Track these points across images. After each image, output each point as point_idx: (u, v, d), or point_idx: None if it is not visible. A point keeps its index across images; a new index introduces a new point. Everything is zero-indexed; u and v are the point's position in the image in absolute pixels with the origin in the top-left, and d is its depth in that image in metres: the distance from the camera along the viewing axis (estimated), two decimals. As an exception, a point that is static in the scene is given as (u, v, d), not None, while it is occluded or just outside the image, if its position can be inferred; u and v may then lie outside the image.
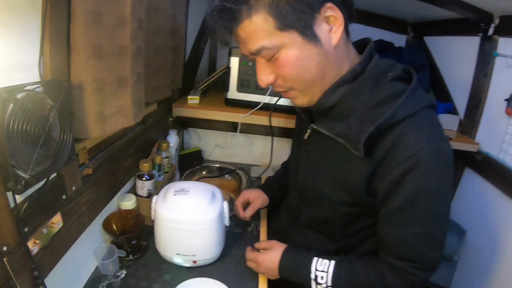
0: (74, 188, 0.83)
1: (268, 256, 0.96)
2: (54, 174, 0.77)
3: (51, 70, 0.68)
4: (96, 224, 1.03)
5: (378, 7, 1.82)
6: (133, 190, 1.23)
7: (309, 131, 0.93)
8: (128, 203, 1.13)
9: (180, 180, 1.52)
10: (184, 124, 1.70)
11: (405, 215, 0.75)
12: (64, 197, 0.81)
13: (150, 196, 1.21)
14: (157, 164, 1.28)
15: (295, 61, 0.72)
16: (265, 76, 0.77)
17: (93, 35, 0.72)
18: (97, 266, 1.03)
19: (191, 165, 1.65)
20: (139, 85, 0.91)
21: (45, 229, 0.75)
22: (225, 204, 1.03)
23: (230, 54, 1.47)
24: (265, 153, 1.74)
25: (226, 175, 1.66)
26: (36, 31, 0.65)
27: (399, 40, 1.99)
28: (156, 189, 1.24)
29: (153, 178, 1.21)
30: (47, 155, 0.66)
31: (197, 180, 1.58)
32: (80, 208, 0.87)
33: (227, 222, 1.04)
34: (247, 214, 1.16)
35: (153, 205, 1.01)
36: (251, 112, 1.51)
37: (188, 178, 1.56)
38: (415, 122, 0.73)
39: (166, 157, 1.37)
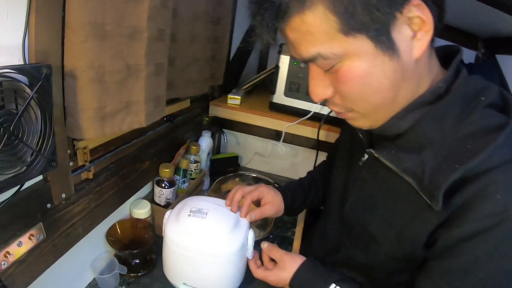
0: (64, 195, 0.69)
1: (278, 277, 0.80)
2: (37, 179, 0.63)
3: (37, 53, 0.54)
4: (99, 231, 0.89)
5: (448, 15, 1.52)
6: (151, 196, 1.07)
7: (366, 156, 0.73)
8: (141, 211, 0.98)
9: (209, 188, 1.35)
10: (221, 125, 1.53)
11: (457, 280, 0.58)
12: (49, 206, 0.67)
13: (168, 206, 1.06)
14: (182, 169, 1.12)
15: (362, 77, 0.53)
16: (320, 90, 0.59)
17: (94, 10, 0.56)
18: (95, 277, 0.90)
19: (224, 172, 1.48)
20: (159, 78, 0.75)
21: (19, 242, 0.62)
22: (251, 234, 0.84)
23: (280, 51, 1.27)
24: (308, 168, 1.53)
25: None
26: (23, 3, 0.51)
27: (467, 56, 1.69)
28: (177, 198, 1.08)
29: (174, 185, 1.05)
30: (16, 159, 0.51)
31: (228, 190, 1.40)
32: (71, 218, 0.73)
33: (250, 255, 0.85)
34: (248, 217, 0.87)
35: (164, 221, 0.85)
36: (298, 121, 1.31)
37: (219, 185, 1.39)
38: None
39: (195, 162, 1.21)
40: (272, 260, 0.84)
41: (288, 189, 1.01)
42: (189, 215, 0.80)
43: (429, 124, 0.59)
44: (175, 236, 0.78)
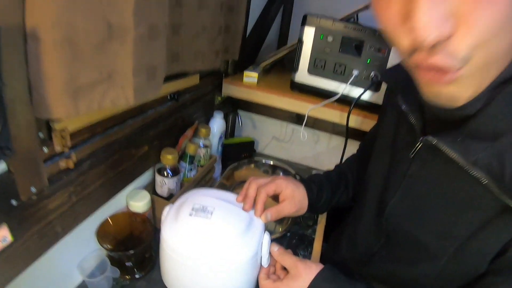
0: (33, 189, 0.55)
1: (292, 286, 0.65)
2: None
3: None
4: (88, 228, 0.77)
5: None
6: (152, 186, 0.94)
7: (419, 145, 0.57)
8: (139, 204, 0.85)
9: (220, 176, 1.21)
10: (235, 106, 1.38)
11: None
12: (14, 202, 0.53)
13: (171, 197, 0.92)
14: (189, 156, 0.97)
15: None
16: (435, 20, 0.35)
17: None
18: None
19: (238, 158, 1.33)
20: (153, 43, 0.59)
21: (-25, 247, 0.49)
22: (266, 238, 0.69)
23: (304, 23, 1.10)
24: (332, 156, 1.36)
25: (281, 173, 1.31)
26: None
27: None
28: (183, 188, 0.95)
29: (178, 174, 0.91)
30: None
31: (242, 178, 1.26)
32: (46, 216, 0.60)
33: (265, 262, 0.70)
34: (264, 217, 0.71)
35: (162, 218, 0.71)
36: (323, 103, 1.14)
37: (231, 172, 1.24)
38: None
39: (205, 147, 1.06)
40: (284, 269, 0.70)
41: (313, 181, 0.84)
42: (190, 215, 0.65)
43: (509, 105, 0.44)
44: (173, 241, 0.64)
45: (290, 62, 1.20)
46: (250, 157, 1.38)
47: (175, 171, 0.90)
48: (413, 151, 0.58)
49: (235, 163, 1.27)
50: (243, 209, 0.71)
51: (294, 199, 0.77)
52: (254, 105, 1.28)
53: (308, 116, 1.16)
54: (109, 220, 0.80)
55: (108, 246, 0.77)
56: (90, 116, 0.65)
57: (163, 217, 0.70)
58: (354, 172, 0.91)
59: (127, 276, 0.79)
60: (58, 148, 0.60)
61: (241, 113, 1.42)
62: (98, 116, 0.67)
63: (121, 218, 0.82)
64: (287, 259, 0.68)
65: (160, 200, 0.90)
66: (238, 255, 0.64)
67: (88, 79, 0.50)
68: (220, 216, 0.66)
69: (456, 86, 0.43)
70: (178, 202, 0.72)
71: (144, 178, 0.92)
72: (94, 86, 0.51)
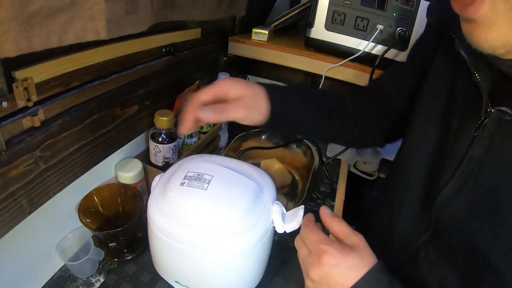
0: (-19, 152, 0.43)
1: (347, 260, 0.42)
2: None
3: None
4: (69, 202, 0.66)
5: None
6: (146, 155, 0.82)
7: (486, 118, 0.43)
8: (129, 174, 0.74)
9: (228, 146, 1.08)
10: (243, 68, 1.23)
11: None
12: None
13: (167, 167, 0.80)
14: (189, 121, 0.85)
15: None
16: None
17: None
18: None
19: (247, 126, 1.20)
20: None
21: None
22: (276, 209, 0.55)
23: (322, -30, 0.95)
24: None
25: (294, 146, 1.18)
26: None
27: None
28: (181, 158, 0.83)
29: (175, 140, 0.78)
30: None
31: (251, 148, 1.13)
32: (6, 187, 0.48)
33: (290, 227, 0.54)
34: (203, 114, 0.52)
35: (151, 190, 0.59)
36: (342, 62, 0.99)
37: (239, 143, 1.11)
38: None
39: (207, 112, 0.93)
40: None
41: (279, 87, 0.65)
42: (182, 184, 0.53)
43: None
44: (159, 219, 0.52)
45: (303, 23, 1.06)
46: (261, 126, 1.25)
47: (171, 137, 0.77)
48: (478, 126, 0.44)
49: (243, 133, 1.14)
50: (178, 132, 0.56)
51: (244, 100, 0.56)
52: (263, 68, 1.14)
53: (325, 77, 1.02)
54: (94, 194, 0.68)
55: (93, 224, 0.66)
56: (61, 64, 0.53)
57: (152, 189, 0.58)
58: (354, 102, 0.74)
59: (115, 259, 0.68)
60: (20, 102, 0.48)
61: (250, 78, 1.28)
62: (72, 65, 0.54)
63: (108, 192, 0.70)
64: (343, 227, 0.47)
65: (154, 171, 0.78)
66: (243, 239, 0.51)
67: (43, 5, 0.37)
68: (220, 186, 0.53)
69: (486, 24, 0.35)
70: (169, 171, 0.59)
71: (136, 146, 0.80)
72: (53, 15, 0.38)
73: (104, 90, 0.62)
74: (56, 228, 0.65)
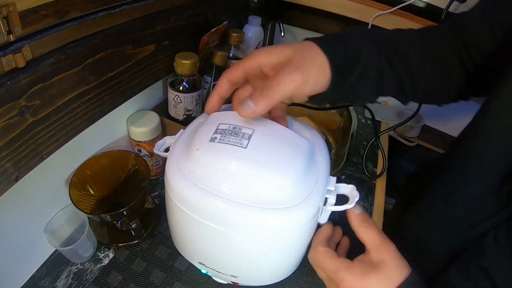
0: None
1: (370, 284, 0.39)
2: None
3: None
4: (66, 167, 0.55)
5: None
6: (164, 106, 0.69)
7: None
8: (141, 130, 0.61)
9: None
10: (276, 15, 1.08)
11: None
12: None
13: (189, 121, 0.68)
14: (215, 66, 0.72)
15: None
16: None
17: None
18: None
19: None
20: None
21: None
22: (332, 180, 0.43)
23: None
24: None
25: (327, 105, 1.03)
26: None
27: None
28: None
29: (198, 88, 0.65)
30: None
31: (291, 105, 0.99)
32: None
33: (325, 219, 0.46)
34: (246, 106, 0.37)
35: (170, 151, 0.46)
36: (392, 10, 0.84)
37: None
38: None
39: (235, 58, 0.79)
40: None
41: (338, 37, 0.44)
42: (212, 140, 0.39)
43: None
44: (182, 186, 0.39)
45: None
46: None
47: (194, 85, 0.64)
48: None
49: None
50: (206, 110, 0.44)
51: (290, 61, 0.38)
52: (299, 13, 0.99)
53: (372, 26, 0.87)
54: (92, 161, 0.56)
55: (87, 205, 0.54)
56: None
57: (170, 148, 0.45)
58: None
59: (120, 244, 0.56)
60: (1, 37, 0.35)
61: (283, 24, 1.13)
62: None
63: (106, 159, 0.57)
64: (373, 236, 0.42)
65: (173, 125, 0.66)
66: (292, 213, 0.38)
67: None
68: (264, 144, 0.39)
69: None
70: (194, 123, 0.47)
71: (152, 96, 0.68)
72: None
73: (112, 24, 0.48)
74: (52, 204, 0.54)
